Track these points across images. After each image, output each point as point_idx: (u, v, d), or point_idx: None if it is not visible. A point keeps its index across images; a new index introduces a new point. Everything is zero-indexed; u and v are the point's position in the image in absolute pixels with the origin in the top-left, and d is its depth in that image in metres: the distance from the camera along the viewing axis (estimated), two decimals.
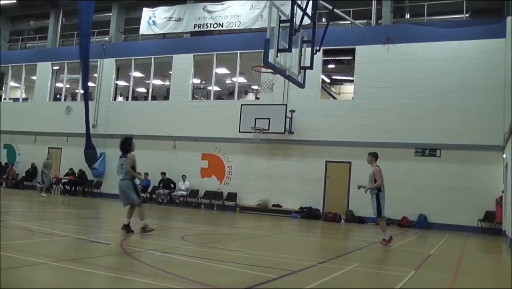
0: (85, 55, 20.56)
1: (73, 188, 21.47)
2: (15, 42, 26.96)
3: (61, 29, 24.91)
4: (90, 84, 21.62)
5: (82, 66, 20.61)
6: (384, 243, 9.31)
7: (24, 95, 26.34)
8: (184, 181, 19.32)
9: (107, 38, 22.78)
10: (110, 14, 22.99)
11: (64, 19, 24.99)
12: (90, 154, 21.02)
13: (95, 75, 22.18)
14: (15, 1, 24.12)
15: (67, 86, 24.26)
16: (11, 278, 4.59)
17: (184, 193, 19.28)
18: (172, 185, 19.62)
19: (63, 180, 21.72)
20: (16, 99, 26.25)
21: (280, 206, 17.96)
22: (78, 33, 21.91)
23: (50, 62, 24.02)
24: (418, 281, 6.03)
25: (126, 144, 9.08)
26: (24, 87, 26.00)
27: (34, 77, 24.82)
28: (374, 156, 9.71)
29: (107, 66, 22.10)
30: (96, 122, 21.47)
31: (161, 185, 19.68)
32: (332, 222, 16.69)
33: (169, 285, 4.81)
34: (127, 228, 8.67)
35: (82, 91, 21.78)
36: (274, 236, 12.09)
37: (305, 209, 17.41)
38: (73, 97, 24.60)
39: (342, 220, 16.86)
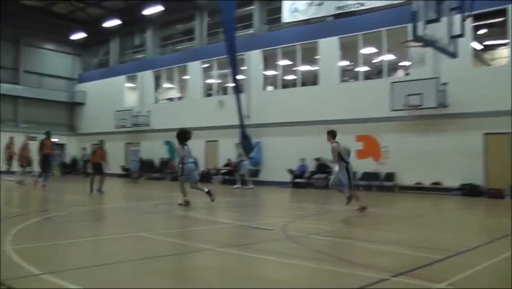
0: (232, 50, 24.57)
1: (232, 178, 25.81)
2: (166, 47, 32.93)
3: (207, 28, 29.77)
4: (240, 77, 25.72)
5: (230, 61, 24.71)
6: (360, 210, 11.32)
7: (178, 95, 31.86)
8: None
9: (252, 31, 26.79)
10: (253, 7, 27.01)
11: (209, 19, 29.89)
12: (246, 144, 25.10)
13: (244, 67, 26.33)
14: (162, 8, 29.32)
15: (218, 81, 28.97)
16: (182, 263, 6.01)
17: None
18: (328, 169, 22.66)
19: (222, 171, 26.22)
20: (171, 99, 31.96)
21: (439, 184, 19.81)
22: (223, 30, 26.17)
23: (200, 60, 29.02)
24: None
25: (183, 136, 12.52)
26: (178, 87, 31.45)
27: (186, 77, 30.05)
28: (331, 134, 11.61)
29: (254, 58, 26.17)
30: (249, 113, 25.54)
31: (317, 170, 22.84)
32: (496, 198, 17.26)
33: (332, 268, 5.57)
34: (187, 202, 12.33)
35: (232, 85, 25.97)
36: (435, 215, 13.07)
37: (466, 186, 18.82)
38: (225, 91, 29.19)
39: (508, 197, 17.37)
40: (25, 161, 21.63)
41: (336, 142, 11.55)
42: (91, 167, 17.07)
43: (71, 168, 36.05)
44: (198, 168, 14.00)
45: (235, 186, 22.43)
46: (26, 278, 4.86)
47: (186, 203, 12.48)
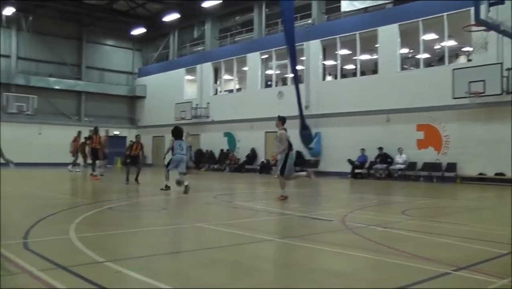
0: (291, 40, 25.45)
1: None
2: (224, 39, 34.68)
3: (265, 19, 31.14)
4: (299, 67, 26.84)
5: (289, 52, 25.71)
6: (282, 198, 12.28)
7: (237, 86, 33.45)
8: (400, 154, 22.90)
9: (310, 21, 27.94)
10: None
11: (267, 10, 31.20)
12: (306, 135, 26.16)
13: (303, 58, 27.52)
14: (221, 0, 30.88)
15: (277, 72, 30.36)
16: (241, 253, 6.20)
17: (402, 166, 22.86)
18: (388, 160, 23.51)
19: None
20: (231, 91, 33.61)
21: (503, 175, 20.03)
22: (282, 21, 27.31)
23: (259, 52, 30.45)
24: None
25: (178, 133, 14.87)
26: (236, 79, 33.02)
27: (245, 68, 31.57)
28: (281, 120, 12.43)
29: (313, 47, 27.31)
30: (308, 103, 26.73)
31: (378, 160, 23.73)
32: None
33: (391, 259, 5.74)
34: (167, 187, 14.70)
35: (291, 75, 27.14)
36: (499, 207, 12.99)
37: None
38: (284, 82, 30.52)
39: None
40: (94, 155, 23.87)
41: (285, 128, 12.48)
42: (128, 159, 19.30)
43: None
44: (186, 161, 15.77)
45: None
46: (89, 264, 5.27)
47: (167, 188, 14.88)
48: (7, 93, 33.68)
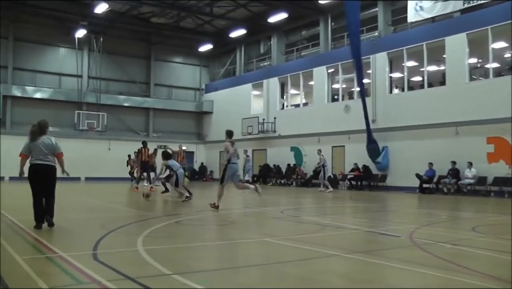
0: (357, 53, 26.54)
1: (358, 183, 28.03)
2: (291, 54, 36.32)
3: (331, 33, 32.49)
4: (365, 80, 27.81)
5: (355, 65, 26.75)
6: (213, 206, 13.82)
7: (304, 100, 34.81)
8: (470, 168, 23.08)
9: (376, 33, 28.91)
10: (377, 9, 29.17)
11: (333, 23, 32.58)
12: (373, 149, 27.13)
13: (369, 71, 28.52)
14: (287, 16, 32.44)
15: (343, 86, 31.51)
16: (308, 268, 6.32)
17: (471, 181, 22.98)
18: (459, 174, 23.64)
19: (348, 176, 28.51)
20: (297, 105, 35.00)
21: None
22: (348, 34, 28.46)
23: (325, 66, 31.76)
24: None
25: (167, 156, 18.01)
26: (303, 93, 34.37)
27: (311, 82, 32.90)
28: (227, 134, 14.36)
29: (379, 60, 28.26)
30: (375, 117, 27.66)
31: (449, 173, 23.84)
32: None
33: (461, 278, 5.75)
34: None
35: (358, 89, 28.16)
36: None
37: None
38: (350, 95, 31.63)
39: None
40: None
41: (231, 141, 14.18)
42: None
43: (199, 174, 41.14)
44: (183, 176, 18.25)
45: (319, 189, 26.14)
46: (157, 277, 5.63)
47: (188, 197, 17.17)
48: (79, 111, 36.64)
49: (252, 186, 15.18)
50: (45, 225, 9.34)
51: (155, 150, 26.15)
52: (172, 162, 18.01)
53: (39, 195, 9.25)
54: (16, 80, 36.34)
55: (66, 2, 35.39)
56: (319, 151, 26.67)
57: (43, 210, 9.26)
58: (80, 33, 36.66)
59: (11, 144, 29.46)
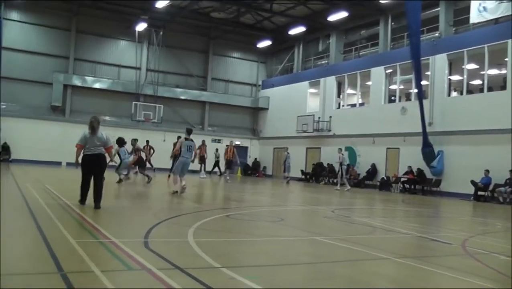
0: (416, 54, 26.40)
1: (412, 187, 27.95)
2: (349, 53, 36.44)
3: (391, 33, 32.43)
4: (423, 82, 27.65)
5: (414, 66, 26.63)
6: (173, 192, 15.78)
7: (360, 100, 34.89)
8: None
9: (437, 34, 28.72)
10: (438, 9, 28.94)
11: (393, 23, 32.49)
12: (428, 153, 26.98)
13: (428, 73, 28.35)
14: (347, 14, 32.59)
15: (401, 87, 31.45)
16: (357, 270, 6.49)
17: None
18: None
19: (402, 179, 28.48)
20: (353, 105, 35.15)
21: None
22: (408, 34, 28.34)
23: (383, 66, 31.73)
24: None
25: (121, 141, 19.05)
26: (360, 93, 34.46)
27: (369, 82, 32.94)
28: (186, 131, 16.28)
29: (439, 62, 28.02)
30: (431, 120, 27.47)
31: (507, 182, 23.26)
32: None
33: None
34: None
35: (415, 91, 28.03)
36: None
37: None
38: (407, 97, 31.48)
39: None
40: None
41: (186, 137, 16.14)
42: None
43: (252, 170, 42.06)
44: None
45: (335, 188, 26.90)
46: (205, 269, 5.81)
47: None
48: (136, 102, 37.95)
49: (182, 183, 16.35)
50: (101, 212, 10.40)
51: (203, 141, 28.92)
52: (123, 149, 19.47)
53: (87, 178, 10.81)
54: (77, 70, 38.02)
55: None
56: (340, 149, 27.40)
57: (87, 190, 10.85)
58: (141, 26, 37.87)
59: (69, 132, 31.20)
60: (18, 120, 34.54)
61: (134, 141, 21.94)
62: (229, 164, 28.36)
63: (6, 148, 34.06)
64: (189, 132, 16.39)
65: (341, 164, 26.28)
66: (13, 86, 35.23)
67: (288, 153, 30.86)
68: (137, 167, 22.31)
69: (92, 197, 10.65)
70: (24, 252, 6.38)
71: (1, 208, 9.72)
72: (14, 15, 36.10)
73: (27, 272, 5.35)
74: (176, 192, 15.93)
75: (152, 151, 29.05)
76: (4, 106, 34.65)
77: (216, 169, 32.22)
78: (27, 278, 5.12)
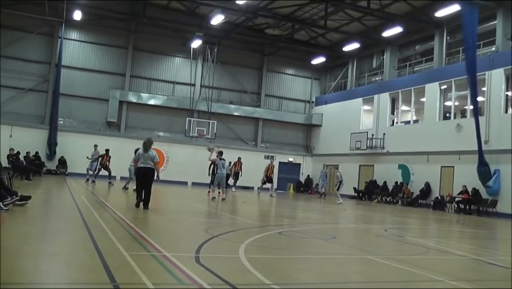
0: (472, 69, 25.88)
1: (466, 207, 27.15)
2: (403, 69, 35.93)
3: (446, 47, 31.87)
4: (479, 98, 26.97)
5: (469, 81, 26.10)
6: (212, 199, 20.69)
7: (414, 117, 34.35)
8: None
9: (493, 48, 28.02)
10: (495, 22, 28.27)
11: (448, 37, 31.91)
12: (483, 171, 26.22)
13: (484, 88, 27.66)
14: (402, 30, 32.21)
15: (456, 103, 30.77)
16: None
17: None
18: None
19: (456, 199, 27.72)
20: (407, 122, 34.58)
21: None
22: (463, 49, 27.78)
23: (438, 82, 31.17)
24: None
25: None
26: (414, 110, 33.93)
27: (423, 99, 32.40)
28: (218, 153, 20.63)
29: (495, 77, 27.30)
30: (487, 138, 26.73)
31: None
32: None
33: None
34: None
35: (471, 107, 27.36)
36: None
37: None
38: (463, 114, 30.76)
39: None
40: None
41: (220, 158, 20.87)
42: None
43: (305, 187, 41.83)
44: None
45: (337, 202, 27.00)
46: (257, 285, 5.86)
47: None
48: (190, 118, 38.59)
49: (214, 192, 22.56)
50: (154, 226, 11.51)
51: (239, 158, 31.66)
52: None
53: (141, 186, 14.17)
54: (133, 87, 39.17)
55: (183, 15, 37.68)
56: (336, 169, 30.63)
57: (141, 192, 14.11)
58: (196, 43, 38.67)
59: (124, 147, 32.08)
60: (75, 135, 35.99)
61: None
62: (237, 176, 31.29)
63: (63, 162, 35.42)
64: (221, 153, 21.06)
65: (340, 182, 27.60)
66: (71, 103, 36.88)
67: (325, 169, 33.22)
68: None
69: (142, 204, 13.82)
70: (78, 263, 6.63)
71: (57, 219, 10.58)
72: (74, 34, 37.72)
73: (80, 282, 5.59)
74: (214, 198, 21.48)
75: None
76: (61, 122, 36.06)
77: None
78: (80, 288, 5.33)
